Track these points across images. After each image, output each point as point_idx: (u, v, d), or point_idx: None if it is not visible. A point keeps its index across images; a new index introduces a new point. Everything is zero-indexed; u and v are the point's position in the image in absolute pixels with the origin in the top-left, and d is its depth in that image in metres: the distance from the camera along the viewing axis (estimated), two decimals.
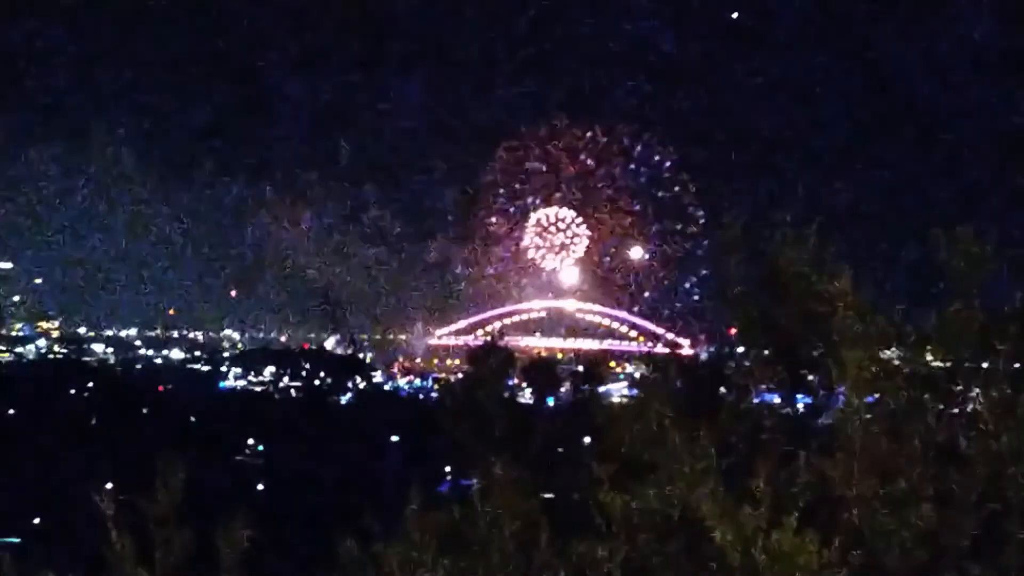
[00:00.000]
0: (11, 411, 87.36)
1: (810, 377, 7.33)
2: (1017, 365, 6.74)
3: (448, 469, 8.36)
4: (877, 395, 6.52)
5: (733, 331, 7.56)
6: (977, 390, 6.79)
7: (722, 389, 7.51)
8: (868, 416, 6.45)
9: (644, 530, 6.50)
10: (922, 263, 7.20)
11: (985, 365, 6.79)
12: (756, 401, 7.28)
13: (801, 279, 7.04)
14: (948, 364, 6.93)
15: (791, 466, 6.35)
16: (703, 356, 8.20)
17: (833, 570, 6.08)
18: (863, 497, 6.32)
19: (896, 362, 6.73)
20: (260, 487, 60.32)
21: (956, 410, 6.81)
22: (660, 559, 6.50)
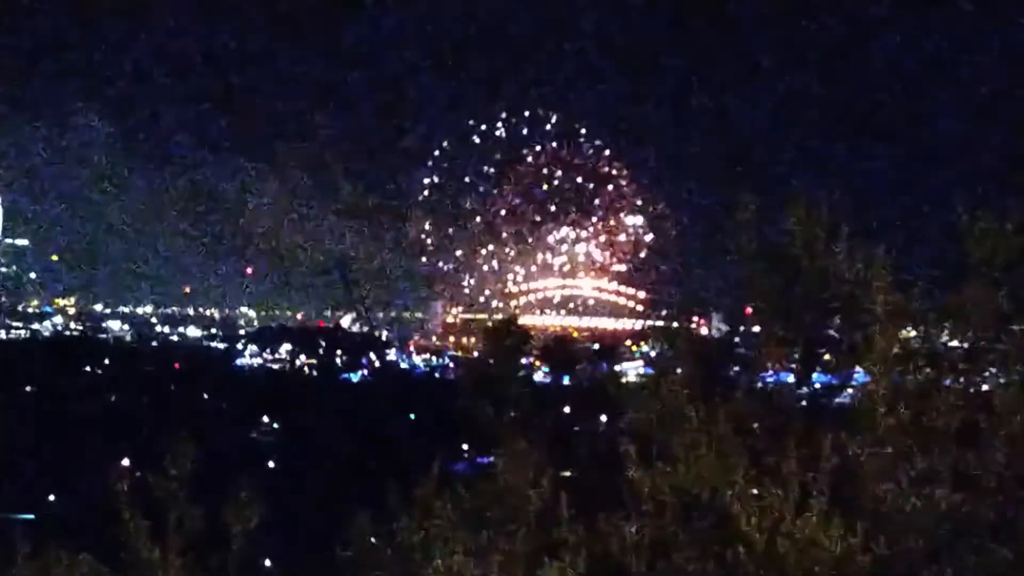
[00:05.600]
0: (27, 388, 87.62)
1: (826, 356, 7.27)
2: None
3: (465, 447, 8.34)
4: (896, 375, 6.47)
5: (749, 311, 7.51)
6: (995, 370, 6.74)
7: (738, 368, 7.47)
8: (888, 396, 6.40)
9: (666, 508, 6.46)
10: (942, 243, 7.15)
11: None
12: (771, 380, 7.23)
13: (817, 258, 6.99)
14: (967, 345, 6.87)
15: (811, 446, 6.31)
16: (717, 333, 8.15)
17: (855, 552, 6.05)
18: (883, 476, 6.28)
19: (915, 343, 6.68)
20: (271, 464, 60.34)
21: (973, 390, 6.76)
22: (682, 537, 6.46)
